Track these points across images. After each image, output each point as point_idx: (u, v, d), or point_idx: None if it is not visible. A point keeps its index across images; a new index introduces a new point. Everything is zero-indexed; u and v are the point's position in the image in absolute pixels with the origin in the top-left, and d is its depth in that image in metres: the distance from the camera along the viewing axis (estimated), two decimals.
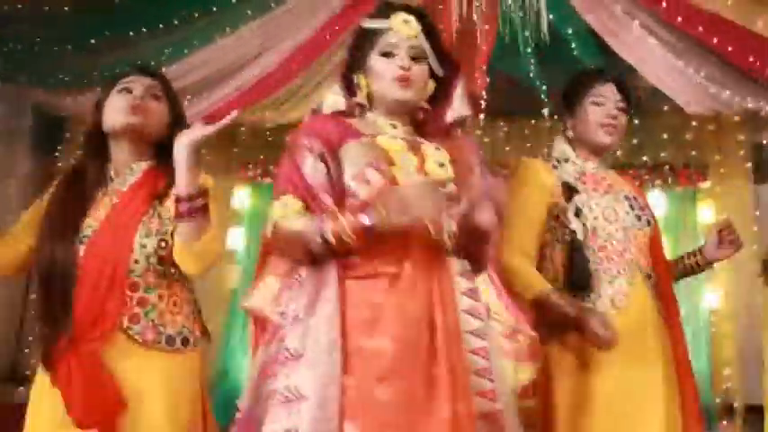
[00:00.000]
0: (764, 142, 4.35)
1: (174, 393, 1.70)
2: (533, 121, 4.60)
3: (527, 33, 3.50)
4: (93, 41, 3.78)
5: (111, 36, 3.77)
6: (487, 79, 3.72)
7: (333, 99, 1.75)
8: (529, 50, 3.63)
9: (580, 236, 2.01)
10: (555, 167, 2.13)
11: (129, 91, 1.83)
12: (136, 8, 3.62)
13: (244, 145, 4.77)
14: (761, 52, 3.30)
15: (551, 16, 3.42)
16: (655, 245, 2.12)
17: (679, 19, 3.28)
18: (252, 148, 4.77)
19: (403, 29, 1.67)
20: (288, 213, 1.55)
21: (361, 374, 1.43)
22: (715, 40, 3.33)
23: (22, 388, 3.60)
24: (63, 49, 3.81)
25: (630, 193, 2.14)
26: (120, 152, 1.84)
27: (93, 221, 1.75)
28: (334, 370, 1.42)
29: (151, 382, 1.67)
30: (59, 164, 4.31)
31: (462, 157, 1.69)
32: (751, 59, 3.35)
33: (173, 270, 1.75)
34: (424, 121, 1.76)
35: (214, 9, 3.63)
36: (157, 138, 1.86)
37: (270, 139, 4.55)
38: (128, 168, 1.83)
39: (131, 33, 3.72)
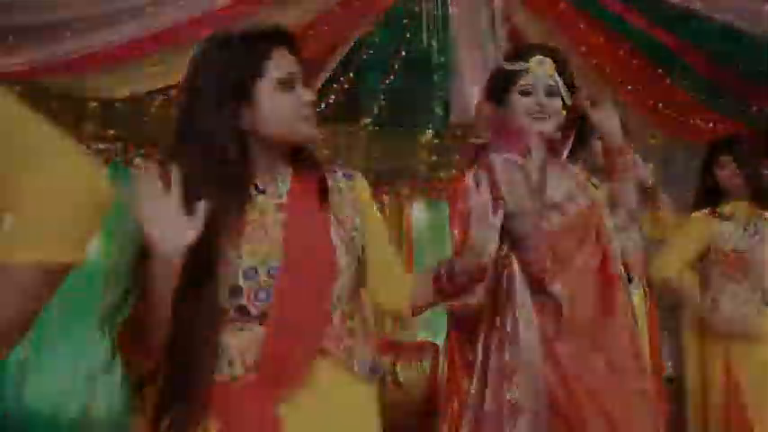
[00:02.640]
0: None
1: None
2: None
3: None
4: None
5: None
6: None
7: None
8: None
9: None
10: None
11: (291, 85, 1.35)
12: None
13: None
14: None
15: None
16: None
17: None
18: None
19: (540, 70, 1.89)
20: None
21: None
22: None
23: None
24: None
25: None
26: (268, 158, 1.40)
27: (271, 249, 1.33)
28: None
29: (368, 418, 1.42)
30: None
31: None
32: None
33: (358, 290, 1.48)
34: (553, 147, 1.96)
35: None
36: None
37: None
38: (276, 175, 1.42)
39: None
